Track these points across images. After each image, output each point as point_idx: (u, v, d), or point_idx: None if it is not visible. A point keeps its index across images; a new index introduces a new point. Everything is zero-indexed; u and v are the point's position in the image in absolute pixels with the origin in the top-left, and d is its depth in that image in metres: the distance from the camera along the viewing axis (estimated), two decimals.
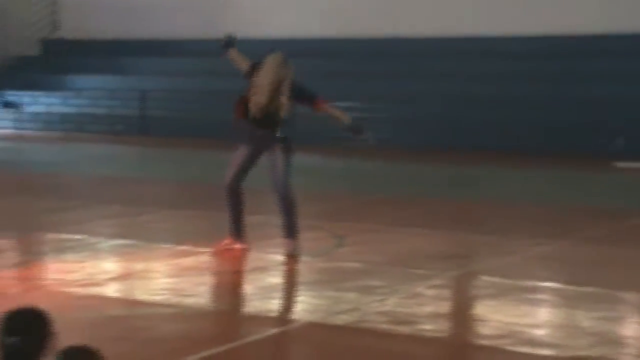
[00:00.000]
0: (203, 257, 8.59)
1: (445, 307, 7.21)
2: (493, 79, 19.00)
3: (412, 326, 6.43)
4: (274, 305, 7.21)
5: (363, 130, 8.60)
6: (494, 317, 6.65)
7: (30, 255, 8.86)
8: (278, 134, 8.36)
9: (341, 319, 6.65)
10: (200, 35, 22.09)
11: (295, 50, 20.28)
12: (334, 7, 21.21)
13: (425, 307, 6.95)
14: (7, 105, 22.37)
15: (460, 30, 19.95)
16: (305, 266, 8.34)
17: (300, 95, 8.36)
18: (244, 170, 8.51)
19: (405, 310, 6.84)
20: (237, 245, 8.67)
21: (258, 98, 8.22)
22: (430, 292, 7.40)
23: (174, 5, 22.67)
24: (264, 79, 8.18)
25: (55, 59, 23.81)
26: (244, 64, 8.57)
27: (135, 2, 23.15)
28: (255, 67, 8.37)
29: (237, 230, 8.66)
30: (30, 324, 3.40)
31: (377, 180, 14.52)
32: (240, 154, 8.49)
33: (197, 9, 22.41)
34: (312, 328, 6.44)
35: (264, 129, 8.31)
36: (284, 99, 8.20)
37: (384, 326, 6.42)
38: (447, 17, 20.19)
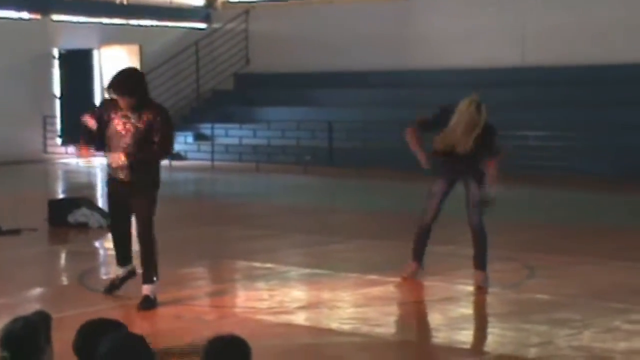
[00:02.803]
0: (391, 287, 8.56)
1: None
2: None
3: None
4: (464, 336, 7.10)
5: (490, 204, 8.32)
6: None
7: (223, 283, 9.09)
8: (476, 168, 8.24)
9: (533, 353, 6.48)
10: (387, 67, 22.22)
11: (484, 79, 20.28)
12: (522, 35, 20.90)
13: (622, 342, 6.66)
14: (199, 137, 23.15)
15: None
16: (495, 297, 8.18)
17: (490, 143, 8.19)
18: (441, 206, 8.43)
19: (601, 345, 6.58)
20: (417, 269, 8.58)
21: (449, 140, 8.12)
22: (628, 326, 7.09)
23: (360, 38, 22.88)
24: (457, 125, 8.05)
25: (247, 93, 24.53)
26: (427, 126, 8.46)
27: (322, 36, 23.53)
28: (445, 112, 8.23)
29: (420, 255, 8.59)
30: (231, 353, 3.45)
31: (571, 210, 14.08)
32: (437, 189, 8.41)
33: (385, 41, 22.55)
34: None
35: (459, 165, 8.22)
36: (470, 140, 8.06)
37: None
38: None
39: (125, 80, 7.50)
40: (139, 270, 7.86)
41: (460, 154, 8.14)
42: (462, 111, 8.02)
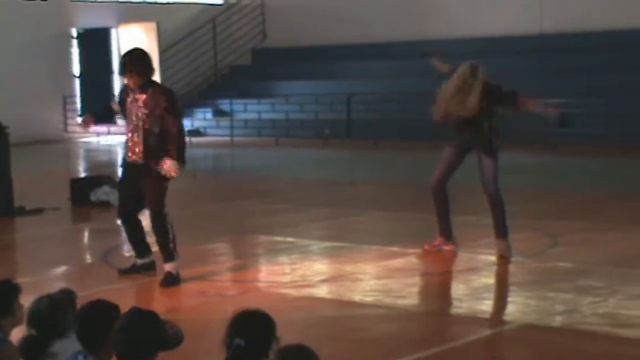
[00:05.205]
0: (412, 258, 8.55)
1: None
2: None
3: (636, 329, 6.15)
4: (487, 306, 7.08)
5: (568, 121, 8.31)
6: None
7: (245, 258, 9.09)
8: (483, 136, 8.21)
9: (558, 321, 6.46)
10: (406, 37, 22.09)
11: (502, 48, 20.15)
12: (539, 3, 20.72)
13: None
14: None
15: None
16: (518, 266, 8.14)
17: (501, 97, 8.20)
18: (450, 170, 8.45)
19: (626, 312, 6.55)
20: (447, 247, 8.59)
21: (442, 104, 8.20)
22: None
23: (378, 9, 22.77)
24: (449, 86, 8.12)
25: (264, 67, 24.50)
26: (446, 70, 8.52)
27: (338, 8, 23.43)
28: (450, 74, 8.31)
29: (447, 230, 8.58)
30: (256, 327, 3.47)
31: (591, 177, 14.01)
32: (447, 154, 8.44)
33: (403, 12, 22.43)
34: (528, 330, 6.28)
35: (467, 131, 8.20)
36: (471, 104, 8.06)
37: (605, 329, 6.17)
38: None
39: (132, 59, 7.63)
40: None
41: (467, 120, 8.15)
42: (458, 74, 8.10)
